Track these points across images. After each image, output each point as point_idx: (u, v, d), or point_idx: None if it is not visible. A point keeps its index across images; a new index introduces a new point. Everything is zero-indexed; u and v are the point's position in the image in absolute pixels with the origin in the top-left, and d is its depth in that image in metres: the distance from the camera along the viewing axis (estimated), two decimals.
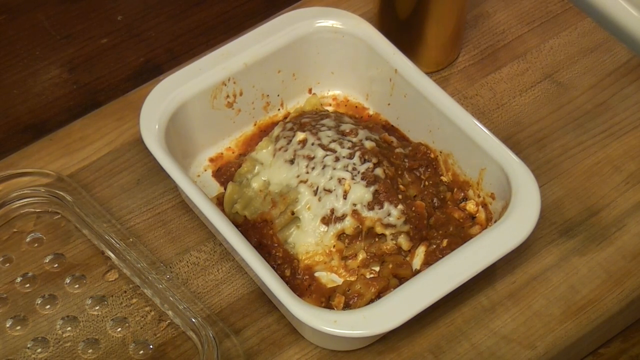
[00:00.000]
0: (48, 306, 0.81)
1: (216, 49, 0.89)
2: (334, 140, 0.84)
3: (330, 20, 0.90)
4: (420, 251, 0.83)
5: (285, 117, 0.91)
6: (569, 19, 1.00)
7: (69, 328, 0.80)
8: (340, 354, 0.79)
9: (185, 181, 0.80)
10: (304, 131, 0.85)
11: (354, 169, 0.82)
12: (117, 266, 0.83)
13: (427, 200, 0.85)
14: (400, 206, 0.82)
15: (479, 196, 0.85)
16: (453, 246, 0.81)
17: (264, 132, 0.91)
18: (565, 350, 0.80)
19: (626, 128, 0.91)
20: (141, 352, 0.79)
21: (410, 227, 0.82)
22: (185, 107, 0.86)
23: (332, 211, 0.81)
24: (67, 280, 0.82)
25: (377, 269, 0.83)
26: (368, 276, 0.82)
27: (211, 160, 0.90)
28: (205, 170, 0.89)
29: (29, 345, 0.79)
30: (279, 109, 0.93)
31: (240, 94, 0.89)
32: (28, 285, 0.82)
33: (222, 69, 0.87)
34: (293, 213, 0.82)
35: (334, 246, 0.82)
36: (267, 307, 0.81)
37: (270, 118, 0.93)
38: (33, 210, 0.86)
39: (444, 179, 0.87)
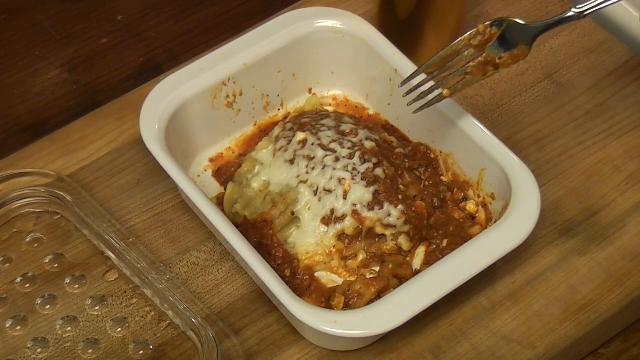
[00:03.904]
0: (48, 306, 0.81)
1: (216, 49, 0.89)
2: (334, 141, 0.84)
3: (330, 20, 0.90)
4: (420, 251, 0.83)
5: (285, 117, 0.91)
6: None
7: (69, 328, 0.80)
8: (340, 354, 0.79)
9: (185, 181, 0.80)
10: (304, 131, 0.85)
11: (354, 169, 0.82)
12: (117, 266, 0.83)
13: (427, 200, 0.85)
14: (400, 206, 0.82)
15: (479, 196, 0.85)
16: (453, 246, 0.81)
17: (264, 132, 0.91)
18: (565, 351, 0.80)
19: (626, 128, 0.92)
20: (141, 352, 0.79)
21: (411, 228, 0.82)
22: (185, 107, 0.86)
23: (332, 211, 0.81)
24: (67, 280, 0.82)
25: (377, 269, 0.83)
26: (368, 276, 0.82)
27: (211, 160, 0.90)
28: (205, 170, 0.89)
29: (29, 345, 0.79)
30: (279, 109, 0.93)
31: (240, 94, 0.89)
32: (28, 285, 0.82)
33: (222, 69, 0.87)
34: (293, 213, 0.82)
35: (334, 246, 0.82)
36: (267, 307, 0.81)
37: (270, 118, 0.93)
38: (33, 210, 0.86)
39: (444, 179, 0.87)
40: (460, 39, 0.80)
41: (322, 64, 0.92)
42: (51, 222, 0.86)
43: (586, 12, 0.76)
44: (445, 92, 0.81)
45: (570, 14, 0.76)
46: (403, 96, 0.81)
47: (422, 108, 0.81)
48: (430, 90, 0.81)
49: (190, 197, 0.79)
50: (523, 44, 0.79)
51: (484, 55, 0.79)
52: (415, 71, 0.81)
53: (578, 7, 0.75)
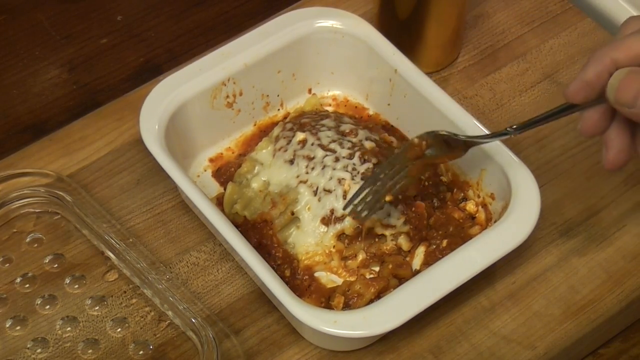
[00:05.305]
0: (48, 306, 0.81)
1: (216, 49, 0.89)
2: (333, 141, 0.84)
3: (330, 21, 0.90)
4: (420, 251, 0.83)
5: (285, 117, 0.91)
6: (569, 19, 1.00)
7: (69, 328, 0.80)
8: (340, 354, 0.79)
9: (185, 181, 0.80)
10: (303, 131, 0.85)
11: (353, 169, 0.82)
12: (117, 266, 0.83)
13: (427, 200, 0.85)
14: (400, 206, 0.82)
15: (478, 196, 0.85)
16: (453, 246, 0.80)
17: (263, 132, 0.91)
18: (565, 351, 0.80)
19: None
20: (141, 352, 0.79)
21: (410, 228, 0.82)
22: (185, 107, 0.86)
23: (332, 211, 0.81)
24: (67, 281, 0.82)
25: (377, 269, 0.83)
26: (368, 276, 0.82)
27: (211, 160, 0.90)
28: (205, 171, 0.89)
29: (28, 346, 0.79)
30: (278, 109, 0.93)
31: (240, 94, 0.89)
32: (28, 285, 0.82)
33: (222, 69, 0.87)
34: (293, 213, 0.82)
35: (333, 246, 0.82)
36: (267, 307, 0.81)
37: (270, 118, 0.92)
38: (33, 210, 0.86)
39: (443, 179, 0.87)
40: (396, 152, 0.80)
41: (322, 64, 0.92)
42: (51, 222, 0.86)
43: (522, 130, 0.77)
44: (387, 197, 0.80)
45: (507, 131, 0.77)
46: (347, 213, 0.80)
47: (367, 217, 0.80)
48: (374, 199, 0.80)
49: (190, 197, 0.79)
50: (458, 150, 0.80)
51: (421, 159, 0.79)
52: (360, 189, 0.80)
53: (514, 126, 0.77)
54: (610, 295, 0.82)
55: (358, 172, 0.82)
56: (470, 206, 0.85)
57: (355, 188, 0.81)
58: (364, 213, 0.80)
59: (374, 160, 0.83)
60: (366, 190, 0.80)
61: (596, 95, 0.70)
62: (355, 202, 0.80)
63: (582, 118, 0.72)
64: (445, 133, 0.79)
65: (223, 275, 0.83)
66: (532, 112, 0.93)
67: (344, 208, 0.81)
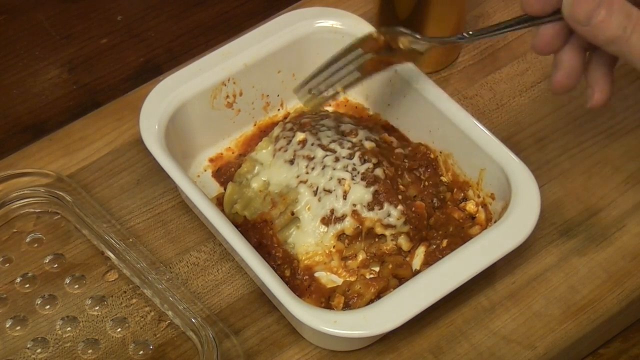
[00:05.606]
0: (48, 306, 0.81)
1: (216, 49, 0.89)
2: (333, 141, 0.84)
3: (330, 21, 0.90)
4: (420, 251, 0.83)
5: (285, 117, 0.92)
6: None
7: (69, 328, 0.80)
8: (340, 354, 0.79)
9: (185, 181, 0.80)
10: (303, 131, 0.85)
11: (353, 169, 0.82)
12: (117, 266, 0.83)
13: (427, 200, 0.85)
14: (400, 206, 0.82)
15: (478, 196, 0.85)
16: (453, 246, 0.81)
17: (263, 132, 0.91)
18: (565, 351, 0.80)
19: (626, 128, 0.91)
20: (141, 352, 0.79)
21: (410, 228, 0.82)
22: (185, 107, 0.86)
23: (332, 211, 0.81)
24: (67, 281, 0.82)
25: (377, 269, 0.83)
26: (368, 276, 0.82)
27: (211, 160, 0.90)
28: (205, 171, 0.89)
29: (28, 346, 0.79)
30: (278, 109, 0.93)
31: (240, 94, 0.89)
32: (28, 285, 0.82)
33: (222, 69, 0.87)
34: (293, 213, 0.82)
35: (333, 246, 0.82)
36: (267, 307, 0.81)
37: (270, 118, 0.93)
38: (33, 210, 0.86)
39: (443, 179, 0.87)
40: (354, 42, 0.79)
41: None
42: (51, 222, 0.86)
43: (477, 37, 0.76)
44: (339, 88, 0.81)
45: (463, 36, 0.76)
46: (298, 96, 0.82)
47: (318, 103, 0.81)
48: (326, 86, 0.81)
49: (190, 197, 0.79)
50: (416, 52, 0.79)
51: (378, 55, 0.79)
52: (313, 74, 0.81)
53: (470, 32, 0.76)
54: (610, 295, 0.82)
55: (358, 172, 0.82)
56: (470, 206, 0.85)
57: (355, 188, 0.81)
58: (314, 100, 0.81)
59: (373, 160, 0.83)
60: (319, 77, 0.80)
61: (552, 9, 0.70)
62: (308, 87, 0.80)
63: (537, 34, 0.71)
64: (404, 30, 0.78)
65: (223, 275, 0.83)
66: (532, 112, 0.93)
67: (295, 92, 0.81)
